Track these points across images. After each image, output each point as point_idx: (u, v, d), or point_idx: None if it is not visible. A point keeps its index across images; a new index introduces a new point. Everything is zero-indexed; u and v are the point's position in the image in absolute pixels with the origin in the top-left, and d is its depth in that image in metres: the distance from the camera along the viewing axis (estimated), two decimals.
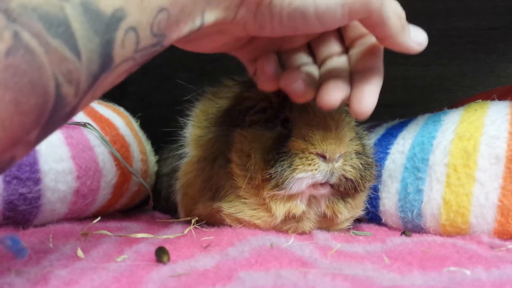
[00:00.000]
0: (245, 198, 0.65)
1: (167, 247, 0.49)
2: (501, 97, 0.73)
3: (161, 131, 0.77)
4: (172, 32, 0.40)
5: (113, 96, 0.98)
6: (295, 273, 0.40)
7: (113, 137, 0.80)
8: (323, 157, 0.60)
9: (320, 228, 0.68)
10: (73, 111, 0.35)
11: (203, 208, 0.69)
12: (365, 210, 0.73)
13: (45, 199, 0.64)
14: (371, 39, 0.52)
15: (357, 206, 0.69)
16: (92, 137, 0.74)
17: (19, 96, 0.30)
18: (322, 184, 0.62)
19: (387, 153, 0.74)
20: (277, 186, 0.60)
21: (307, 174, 0.60)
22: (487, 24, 1.29)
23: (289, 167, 0.60)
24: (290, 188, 0.60)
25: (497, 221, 0.60)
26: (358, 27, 0.53)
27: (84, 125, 0.74)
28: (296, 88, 0.52)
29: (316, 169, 0.60)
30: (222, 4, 0.43)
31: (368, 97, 0.51)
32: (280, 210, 0.62)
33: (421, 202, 0.66)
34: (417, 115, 0.78)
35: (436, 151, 0.66)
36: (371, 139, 0.80)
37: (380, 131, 0.82)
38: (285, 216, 0.63)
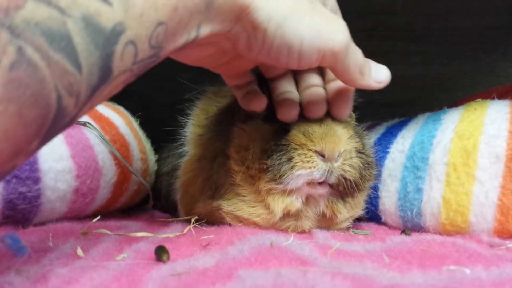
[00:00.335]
0: (244, 196, 0.65)
1: (167, 246, 0.49)
2: (501, 96, 0.73)
3: (161, 131, 0.77)
4: (168, 44, 0.41)
5: (114, 96, 0.98)
6: (295, 272, 0.40)
7: (113, 136, 0.80)
8: (322, 156, 0.60)
9: (319, 227, 0.68)
10: (72, 121, 0.36)
11: (203, 207, 0.69)
12: (365, 210, 0.73)
13: (44, 198, 0.64)
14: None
15: (356, 206, 0.69)
16: (92, 136, 0.74)
17: (22, 108, 0.31)
18: (320, 184, 0.62)
19: (387, 152, 0.75)
20: (274, 179, 0.60)
21: (306, 171, 0.60)
22: (487, 24, 1.29)
23: (288, 162, 0.60)
24: (288, 183, 0.60)
25: (496, 220, 0.60)
26: None
27: (84, 124, 0.74)
28: (291, 117, 0.62)
29: (314, 167, 0.60)
30: (219, 18, 0.45)
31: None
32: (278, 206, 0.62)
33: (421, 201, 0.66)
34: (417, 115, 0.79)
35: (436, 150, 0.66)
36: (371, 138, 0.80)
37: (380, 130, 0.83)
38: (284, 214, 0.63)
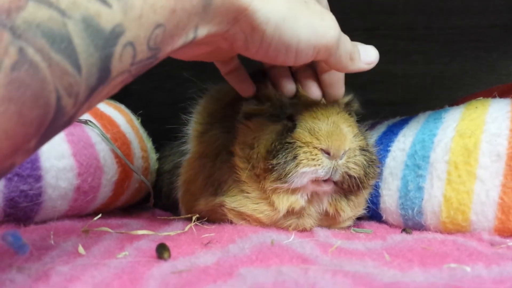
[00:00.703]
0: (248, 192, 0.65)
1: (168, 243, 0.49)
2: (502, 95, 0.73)
3: (162, 129, 0.77)
4: (167, 45, 0.42)
5: (114, 94, 0.98)
6: (296, 270, 0.40)
7: (114, 135, 0.80)
8: (327, 154, 0.60)
9: (321, 226, 0.68)
10: (70, 120, 0.37)
11: (204, 204, 0.69)
12: (366, 209, 0.73)
13: (46, 196, 0.64)
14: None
15: (359, 205, 0.69)
16: (93, 134, 0.74)
17: (23, 108, 0.31)
18: (325, 181, 0.62)
19: (388, 151, 0.74)
20: (280, 179, 0.60)
21: (311, 169, 0.60)
22: (488, 22, 1.29)
23: (293, 160, 0.60)
24: (293, 182, 0.60)
25: (497, 219, 0.60)
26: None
27: (85, 122, 0.74)
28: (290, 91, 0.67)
29: (319, 165, 0.60)
30: (216, 19, 0.45)
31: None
32: (283, 203, 0.62)
33: (422, 199, 0.66)
34: (418, 113, 0.78)
35: (437, 148, 0.66)
36: (373, 137, 0.80)
37: (381, 129, 0.82)
38: (287, 211, 0.63)
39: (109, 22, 0.35)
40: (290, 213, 0.64)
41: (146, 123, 1.01)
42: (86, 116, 0.76)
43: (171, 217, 0.74)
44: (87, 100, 0.36)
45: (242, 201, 0.65)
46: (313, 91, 0.66)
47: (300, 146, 0.60)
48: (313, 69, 0.67)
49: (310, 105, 0.65)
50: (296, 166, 0.60)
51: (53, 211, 0.67)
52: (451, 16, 1.30)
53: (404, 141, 0.72)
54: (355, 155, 0.62)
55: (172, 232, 0.60)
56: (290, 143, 0.61)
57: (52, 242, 0.52)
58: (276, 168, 0.60)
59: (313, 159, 0.60)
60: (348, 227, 0.71)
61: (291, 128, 0.63)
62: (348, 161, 0.62)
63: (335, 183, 0.63)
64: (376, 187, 0.74)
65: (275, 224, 0.66)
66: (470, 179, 0.62)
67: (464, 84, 1.31)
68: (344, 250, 0.52)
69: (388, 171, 0.73)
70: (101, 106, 0.85)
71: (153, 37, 0.39)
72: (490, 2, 1.27)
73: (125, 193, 0.84)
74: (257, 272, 0.40)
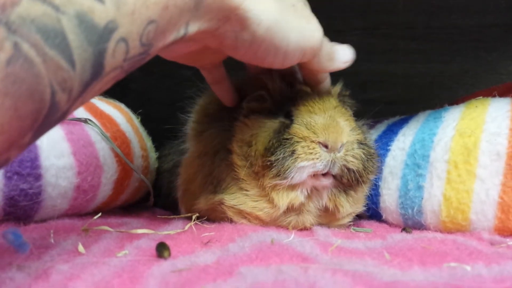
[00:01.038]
0: (247, 190, 0.65)
1: (168, 242, 0.49)
2: (502, 94, 0.73)
3: (161, 128, 0.77)
4: (158, 41, 0.42)
5: (114, 93, 0.98)
6: (296, 269, 0.40)
7: (114, 133, 0.80)
8: (325, 147, 0.60)
9: (321, 223, 0.68)
10: (64, 116, 0.37)
11: (204, 203, 0.69)
12: (365, 206, 0.73)
13: (46, 195, 0.64)
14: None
15: (359, 201, 0.70)
16: (93, 133, 0.74)
17: (18, 102, 0.31)
18: (324, 175, 0.62)
19: (387, 150, 0.75)
20: (279, 175, 0.60)
21: (309, 163, 0.60)
22: (488, 21, 1.29)
23: (291, 155, 0.60)
24: (292, 177, 0.60)
25: (497, 218, 0.60)
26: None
27: (85, 121, 0.74)
28: None
29: (317, 158, 0.60)
30: (207, 16, 0.45)
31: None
32: (283, 200, 0.62)
33: (422, 198, 0.66)
34: (418, 112, 0.78)
35: (436, 147, 0.66)
36: (372, 136, 0.80)
37: (380, 128, 0.83)
38: (287, 208, 0.63)
39: (102, 18, 0.35)
40: (290, 209, 0.64)
41: (145, 122, 1.01)
42: (85, 115, 0.76)
43: (171, 216, 0.74)
44: (81, 95, 0.37)
45: (241, 198, 0.65)
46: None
47: (297, 141, 0.60)
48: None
49: (307, 100, 0.65)
50: (294, 161, 0.60)
51: (53, 210, 0.67)
52: (451, 15, 1.30)
53: (404, 140, 0.72)
54: (353, 148, 0.63)
55: (172, 231, 0.60)
56: (287, 139, 0.61)
57: (52, 240, 0.52)
58: (274, 164, 0.60)
59: (311, 153, 0.60)
60: (348, 226, 0.71)
61: (289, 125, 0.63)
62: (346, 154, 0.62)
63: (334, 177, 0.63)
64: (376, 187, 0.74)
65: (275, 222, 0.66)
66: (470, 178, 0.62)
67: (464, 83, 1.31)
68: (344, 249, 0.52)
69: (388, 170, 0.73)
70: (101, 105, 0.85)
71: (146, 33, 0.39)
72: (490, 1, 1.27)
73: (125, 192, 0.84)
74: (257, 271, 0.40)
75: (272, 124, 0.64)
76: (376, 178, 0.73)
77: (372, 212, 0.76)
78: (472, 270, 0.41)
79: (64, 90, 0.34)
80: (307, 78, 0.67)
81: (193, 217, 0.67)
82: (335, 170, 0.62)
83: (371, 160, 0.65)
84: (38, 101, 0.33)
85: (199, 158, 0.70)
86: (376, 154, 0.68)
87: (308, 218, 0.66)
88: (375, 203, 0.75)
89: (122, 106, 0.96)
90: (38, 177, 0.63)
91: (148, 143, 0.97)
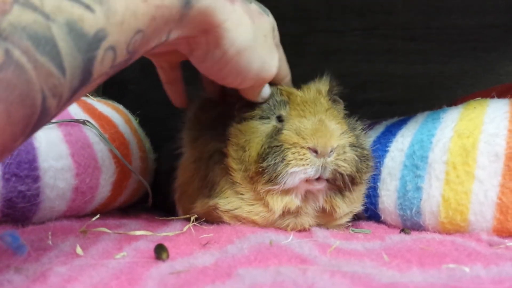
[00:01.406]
0: (242, 194, 0.65)
1: (166, 244, 0.49)
2: (501, 95, 0.73)
3: (160, 129, 0.77)
4: (142, 48, 0.44)
5: (112, 94, 0.98)
6: (295, 270, 0.40)
7: (112, 135, 0.80)
8: (315, 152, 0.60)
9: (319, 224, 0.68)
10: (51, 119, 0.38)
11: (200, 207, 0.69)
12: (364, 206, 0.73)
13: (44, 197, 0.64)
14: None
15: (356, 200, 0.70)
16: (91, 135, 0.74)
17: (10, 108, 0.32)
18: (317, 179, 0.62)
19: (386, 151, 0.74)
20: (271, 181, 0.61)
21: (300, 168, 0.60)
22: (487, 22, 1.29)
23: (282, 161, 0.60)
24: (284, 183, 0.61)
25: (496, 219, 0.60)
26: None
27: (83, 122, 0.74)
28: None
29: (308, 164, 0.60)
30: (189, 25, 0.48)
31: None
32: (277, 204, 0.63)
33: (420, 199, 0.66)
34: (417, 113, 0.78)
35: (435, 148, 0.66)
36: (371, 137, 0.80)
37: (379, 129, 0.82)
38: (283, 211, 0.64)
39: (92, 26, 0.36)
40: (287, 213, 0.64)
41: (143, 123, 1.01)
42: (84, 116, 0.76)
43: (170, 218, 0.74)
44: (69, 100, 0.38)
45: (236, 203, 0.65)
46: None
47: (287, 148, 0.61)
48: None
49: (299, 104, 0.66)
50: (285, 166, 0.60)
51: (51, 211, 0.67)
52: (450, 15, 1.30)
53: (403, 142, 0.72)
54: (344, 152, 0.63)
55: (170, 232, 0.60)
56: (278, 146, 0.61)
57: (50, 242, 0.52)
58: (266, 170, 0.61)
59: (301, 159, 0.60)
60: (347, 226, 0.71)
61: (280, 130, 0.63)
62: (337, 159, 0.62)
63: (328, 180, 0.63)
64: (375, 188, 0.74)
65: (272, 225, 0.66)
66: (468, 180, 0.62)
67: (463, 84, 1.31)
68: (343, 250, 0.52)
69: (387, 171, 0.73)
70: (99, 106, 0.85)
71: (133, 42, 0.41)
72: (490, 1, 1.28)
73: (123, 193, 0.84)
74: (256, 272, 0.40)
75: (265, 129, 0.65)
76: (374, 179, 0.73)
77: (370, 213, 0.76)
78: (470, 271, 0.41)
79: (55, 96, 0.35)
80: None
81: (192, 218, 0.67)
82: (327, 175, 0.62)
83: (365, 162, 0.65)
84: (29, 106, 0.33)
85: (195, 163, 0.70)
86: (370, 155, 0.69)
87: (307, 220, 0.66)
88: (374, 204, 0.75)
89: (121, 107, 0.96)
90: (36, 178, 0.63)
91: (147, 144, 0.96)
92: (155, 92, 1.35)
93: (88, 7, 0.36)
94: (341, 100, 0.74)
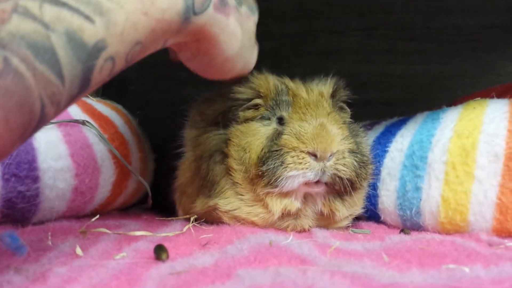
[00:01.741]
0: (242, 195, 0.65)
1: (166, 245, 0.49)
2: (500, 95, 0.73)
3: (160, 129, 0.77)
4: (139, 57, 0.45)
5: (112, 94, 0.98)
6: (294, 271, 0.40)
7: (112, 135, 0.80)
8: (314, 156, 0.61)
9: (319, 226, 0.68)
10: (46, 125, 0.40)
11: (200, 206, 0.69)
12: (364, 208, 0.73)
13: (43, 197, 0.64)
14: None
15: (355, 204, 0.70)
16: (91, 135, 0.74)
17: (9, 115, 0.32)
18: (316, 183, 0.63)
19: (386, 151, 0.74)
20: (270, 184, 0.61)
21: (298, 172, 0.61)
22: (487, 22, 1.29)
23: (281, 165, 0.61)
24: (283, 186, 0.61)
25: (495, 219, 0.60)
26: None
27: (83, 123, 0.74)
28: None
29: (307, 168, 0.61)
30: (184, 34, 0.49)
31: None
32: (276, 206, 0.63)
33: (420, 200, 0.66)
34: (416, 113, 0.78)
35: (435, 149, 0.66)
36: (370, 137, 0.80)
37: (379, 129, 0.82)
38: (282, 213, 0.64)
39: (92, 37, 0.37)
40: (287, 214, 0.64)
41: (143, 123, 1.01)
42: (83, 117, 0.76)
43: (169, 218, 0.74)
44: (66, 107, 0.38)
45: (236, 203, 0.65)
46: None
47: (287, 152, 0.61)
48: None
49: (301, 107, 0.66)
50: (284, 170, 0.61)
51: (50, 212, 0.67)
52: (450, 16, 1.30)
53: (402, 142, 0.72)
54: (344, 157, 0.63)
55: (170, 233, 0.60)
56: (277, 150, 0.62)
57: (50, 243, 0.52)
58: (266, 174, 0.61)
59: (300, 163, 0.61)
60: (347, 227, 0.71)
61: (281, 133, 0.63)
62: (336, 163, 0.62)
63: (326, 184, 0.63)
64: (374, 188, 0.74)
65: (272, 226, 0.66)
66: (468, 180, 0.62)
67: (463, 84, 1.32)
68: (343, 250, 0.52)
69: (386, 171, 0.73)
70: (99, 107, 0.85)
71: (131, 53, 0.42)
72: (490, 2, 1.28)
73: (123, 194, 0.84)
74: (255, 273, 0.40)
75: (266, 131, 0.65)
76: (374, 180, 0.73)
77: (370, 213, 0.76)
78: (470, 271, 0.41)
79: (53, 103, 0.35)
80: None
81: (191, 219, 0.67)
82: (326, 179, 0.62)
83: (364, 168, 0.65)
84: (28, 113, 0.33)
85: (196, 162, 0.70)
86: (370, 161, 0.69)
87: (306, 222, 0.66)
88: (374, 204, 0.75)
89: (120, 107, 0.96)
90: (35, 179, 0.63)
91: (146, 144, 0.96)
92: (155, 93, 1.36)
93: (88, 18, 0.36)
94: (348, 109, 0.73)
